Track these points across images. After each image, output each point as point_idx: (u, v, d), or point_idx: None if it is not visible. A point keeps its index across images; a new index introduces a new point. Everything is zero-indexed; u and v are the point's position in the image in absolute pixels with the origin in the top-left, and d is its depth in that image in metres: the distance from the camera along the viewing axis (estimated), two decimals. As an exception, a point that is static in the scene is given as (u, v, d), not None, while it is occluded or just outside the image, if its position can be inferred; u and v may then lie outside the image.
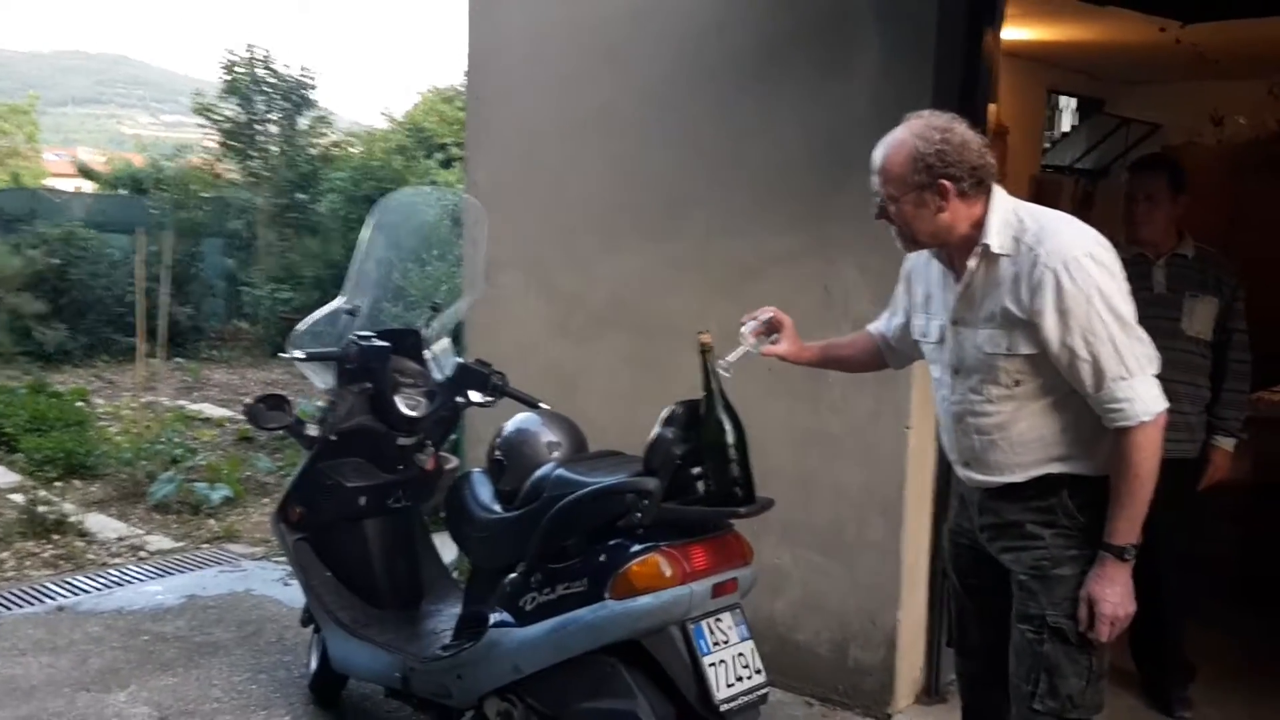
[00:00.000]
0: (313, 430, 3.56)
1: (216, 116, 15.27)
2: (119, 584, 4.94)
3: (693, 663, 2.61)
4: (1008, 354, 2.26)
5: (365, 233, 3.95)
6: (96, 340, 12.15)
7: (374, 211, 4.07)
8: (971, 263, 2.29)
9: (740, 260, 3.90)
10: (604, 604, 2.64)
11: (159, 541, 5.66)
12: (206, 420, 8.77)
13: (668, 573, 2.59)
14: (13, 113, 31.00)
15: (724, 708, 2.59)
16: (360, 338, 3.53)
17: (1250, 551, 4.84)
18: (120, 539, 5.65)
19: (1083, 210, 6.66)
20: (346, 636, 3.41)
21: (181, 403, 9.38)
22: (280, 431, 3.67)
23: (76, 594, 4.78)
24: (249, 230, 14.72)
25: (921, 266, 2.52)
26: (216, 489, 6.32)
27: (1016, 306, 2.21)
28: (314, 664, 3.71)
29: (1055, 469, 2.30)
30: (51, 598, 4.72)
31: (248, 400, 3.53)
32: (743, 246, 3.89)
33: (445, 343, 3.82)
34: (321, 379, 3.69)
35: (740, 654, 2.69)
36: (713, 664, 2.62)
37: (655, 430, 2.71)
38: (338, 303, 3.77)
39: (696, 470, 2.69)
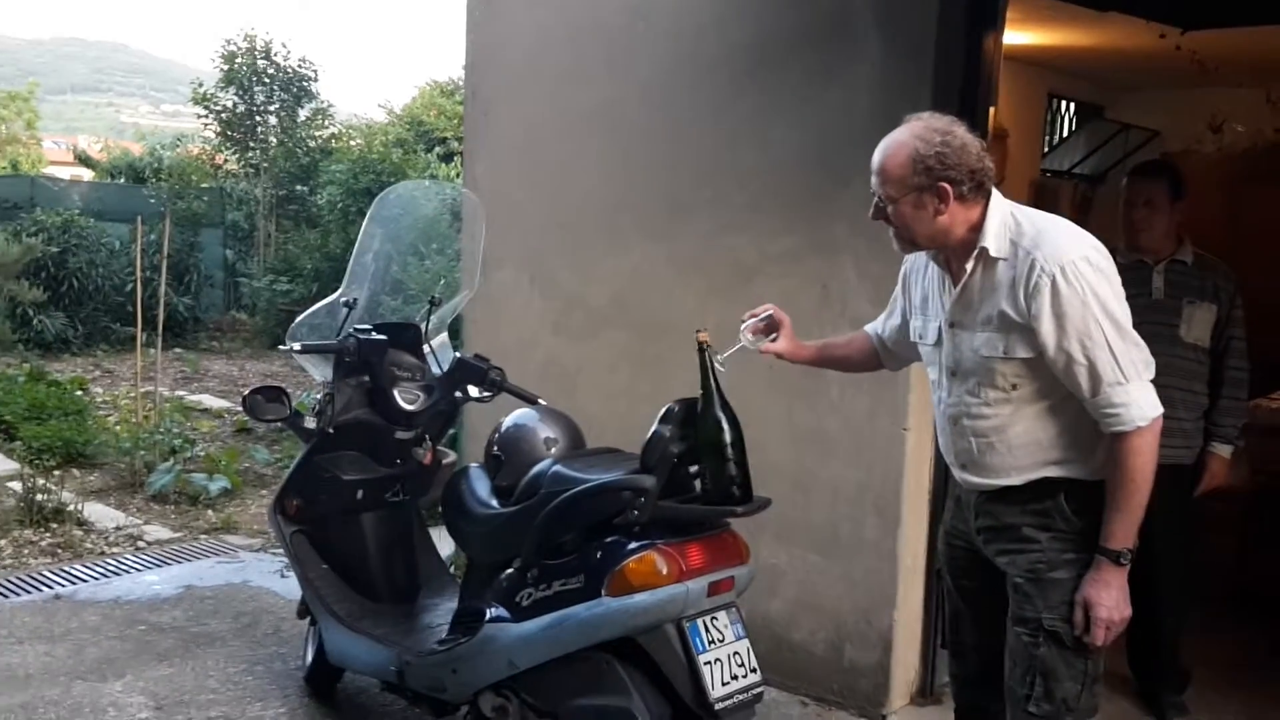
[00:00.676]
0: (310, 423, 3.57)
1: (215, 107, 15.26)
2: (116, 573, 4.95)
3: (688, 661, 2.62)
4: (1004, 357, 2.27)
5: (365, 226, 3.95)
6: (95, 329, 12.16)
7: (374, 205, 4.07)
8: (969, 266, 2.30)
9: (740, 259, 3.91)
10: (600, 601, 2.64)
11: (157, 531, 5.67)
12: (205, 411, 8.79)
13: (664, 571, 2.60)
14: (12, 100, 30.96)
15: (719, 706, 2.60)
16: (358, 331, 3.53)
17: (1246, 558, 4.86)
18: (118, 528, 5.66)
19: (1081, 215, 6.71)
20: (342, 629, 3.42)
21: (180, 393, 9.40)
22: (278, 424, 3.68)
23: (74, 583, 4.79)
24: (248, 221, 14.73)
25: (919, 269, 2.53)
26: (215, 480, 6.33)
27: (1013, 310, 2.22)
28: (310, 656, 3.72)
29: (1052, 472, 2.31)
30: (49, 586, 4.73)
31: (246, 392, 3.53)
32: (742, 246, 3.90)
33: (443, 337, 3.83)
34: (320, 372, 3.70)
35: (736, 653, 2.70)
36: (708, 662, 2.63)
37: (653, 428, 2.72)
38: (336, 295, 3.78)
39: (694, 468, 2.70)
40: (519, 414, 3.32)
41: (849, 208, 3.47)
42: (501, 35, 4.72)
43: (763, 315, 2.67)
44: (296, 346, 3.54)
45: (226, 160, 16.02)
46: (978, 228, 2.28)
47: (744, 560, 2.78)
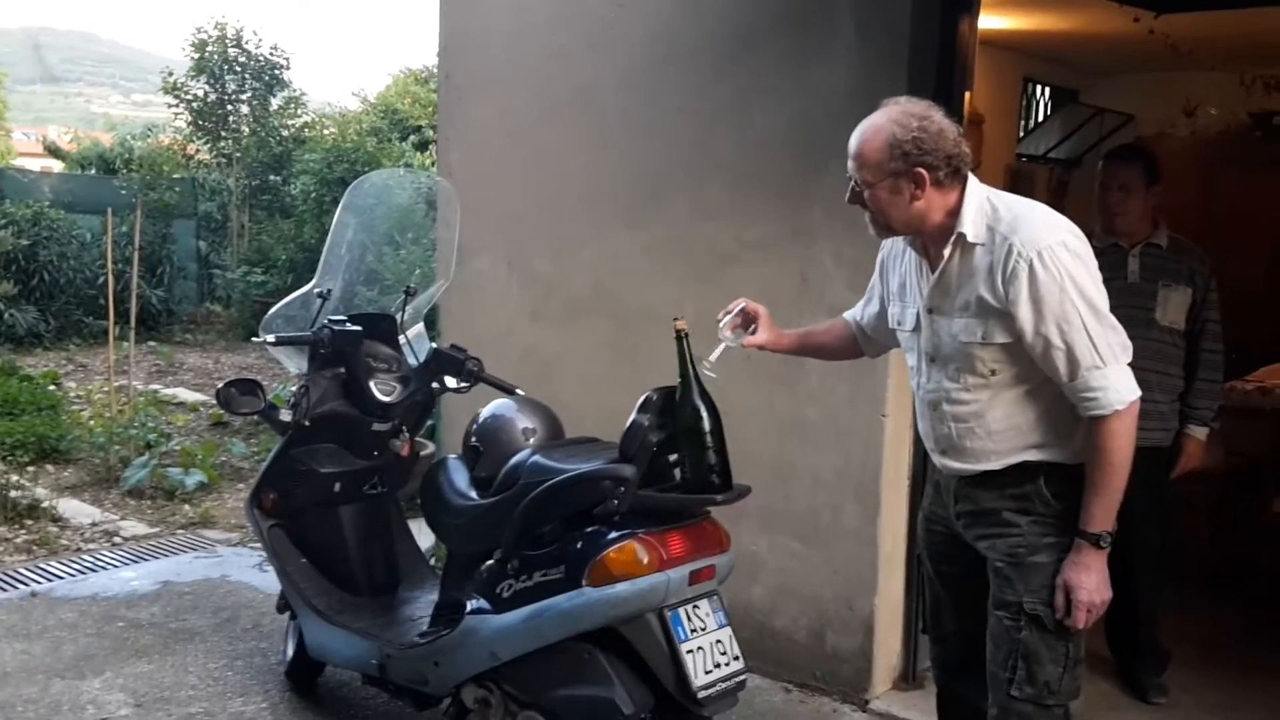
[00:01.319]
0: (286, 416, 3.53)
1: (186, 96, 15.10)
2: (93, 570, 4.90)
3: (670, 650, 2.61)
4: (983, 342, 2.27)
5: (338, 215, 3.92)
6: (67, 323, 12.03)
7: (346, 194, 4.03)
8: (946, 251, 2.29)
9: (718, 247, 3.90)
10: (581, 591, 2.64)
11: (133, 527, 5.62)
12: (180, 404, 8.71)
13: (645, 560, 2.59)
14: (-20, 91, 30.52)
15: (701, 694, 2.60)
16: (333, 322, 3.50)
17: (1221, 539, 4.90)
18: (94, 524, 5.61)
19: (1057, 199, 6.74)
20: (322, 623, 3.40)
21: (155, 386, 9.32)
22: (253, 416, 3.64)
23: (50, 580, 4.74)
24: (221, 212, 14.60)
25: (897, 255, 2.53)
26: (191, 474, 6.28)
27: (991, 295, 2.22)
28: (290, 651, 3.70)
29: (1031, 456, 2.32)
30: (25, 584, 4.68)
31: (219, 385, 3.50)
32: (720, 233, 3.89)
33: (419, 328, 3.81)
34: (295, 364, 3.67)
35: (718, 641, 2.70)
36: (690, 651, 2.62)
37: (631, 417, 2.71)
38: (310, 286, 3.74)
39: (673, 457, 2.70)
40: (497, 404, 3.30)
41: (826, 193, 3.46)
42: (475, 20, 4.68)
43: (736, 310, 2.65)
44: (270, 339, 3.51)
45: (198, 150, 15.86)
46: (954, 213, 2.28)
47: (725, 548, 2.77)
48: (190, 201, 14.44)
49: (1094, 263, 2.22)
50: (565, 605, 2.67)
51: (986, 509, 2.38)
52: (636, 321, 4.08)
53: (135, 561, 5.04)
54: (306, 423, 3.48)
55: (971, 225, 2.26)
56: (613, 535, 2.64)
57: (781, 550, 3.81)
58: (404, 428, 3.59)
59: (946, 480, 2.48)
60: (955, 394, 2.35)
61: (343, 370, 3.52)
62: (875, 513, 3.60)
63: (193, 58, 15.00)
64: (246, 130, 15.17)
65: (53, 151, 20.48)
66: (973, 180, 2.30)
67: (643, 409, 2.70)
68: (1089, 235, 2.29)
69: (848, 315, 2.79)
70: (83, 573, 4.85)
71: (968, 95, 3.65)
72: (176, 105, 15.27)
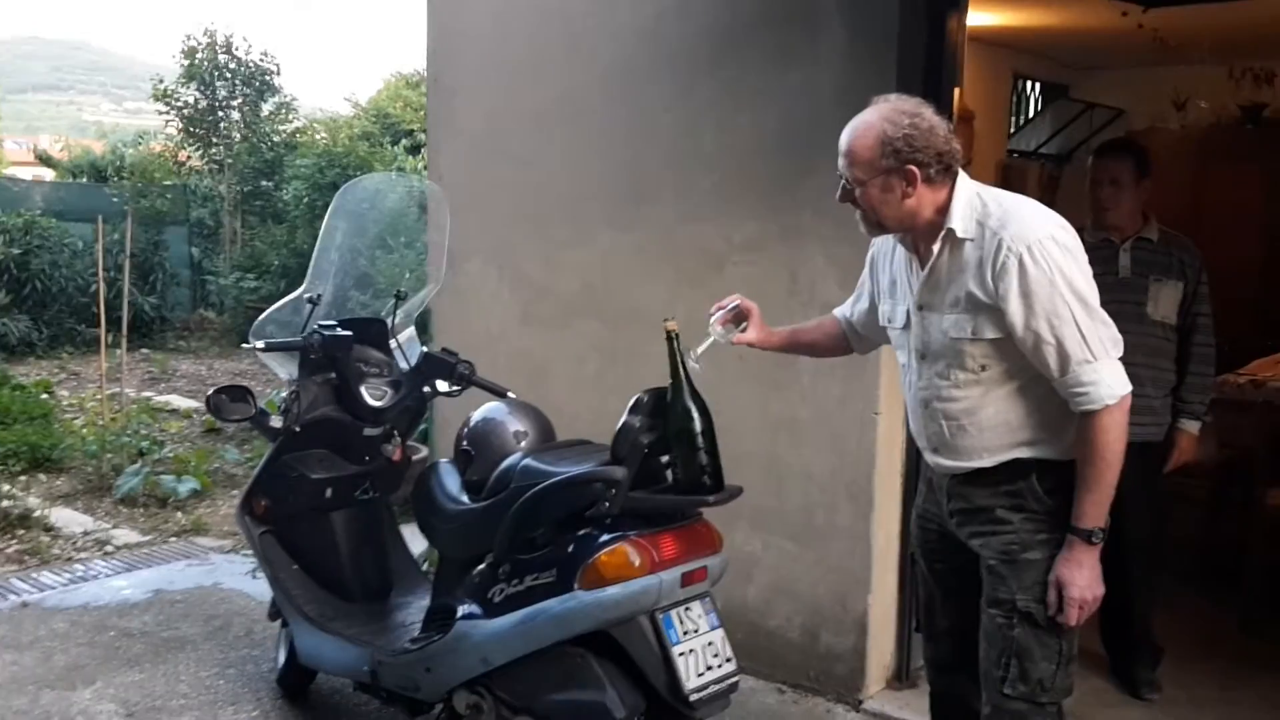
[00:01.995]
0: (276, 422, 3.52)
1: (177, 103, 15.06)
2: (85, 579, 4.87)
3: (662, 653, 2.60)
4: (973, 338, 2.26)
5: (327, 220, 3.90)
6: (60, 331, 12.00)
7: (335, 198, 4.02)
8: (936, 248, 2.29)
9: (707, 247, 3.88)
10: (573, 595, 2.62)
11: (125, 535, 5.59)
12: (173, 411, 8.69)
13: (636, 562, 2.58)
14: (-29, 101, 30.44)
15: (694, 697, 2.59)
16: (323, 327, 3.48)
17: (1214, 532, 4.90)
18: (86, 533, 5.57)
19: (1048, 195, 6.73)
20: (314, 630, 3.38)
21: (147, 394, 9.29)
22: (244, 423, 3.63)
23: (41, 590, 4.72)
24: (213, 218, 14.57)
25: (887, 252, 2.52)
26: (184, 481, 6.26)
27: (981, 290, 2.21)
28: (282, 658, 3.68)
29: (1023, 453, 2.31)
30: (16, 594, 4.65)
31: (209, 392, 3.48)
32: (709, 233, 3.88)
33: (410, 331, 3.79)
34: (285, 370, 3.65)
35: (710, 643, 2.69)
36: (682, 653, 2.62)
37: (622, 418, 2.69)
38: (300, 291, 3.72)
39: (665, 458, 2.68)
40: (488, 408, 3.29)
41: (814, 192, 3.45)
42: (463, 23, 4.67)
43: (730, 306, 2.65)
44: (260, 345, 3.50)
45: (190, 157, 15.82)
46: (944, 209, 2.27)
47: (717, 550, 2.76)
48: (182, 208, 14.42)
49: (1084, 257, 2.22)
50: (557, 609, 2.65)
51: (979, 506, 2.36)
52: (627, 323, 4.07)
53: (127, 570, 5.02)
54: (297, 429, 3.47)
55: (961, 221, 2.25)
56: (604, 538, 2.63)
57: (775, 550, 3.80)
58: (395, 432, 3.57)
59: (939, 478, 2.47)
60: (946, 391, 2.34)
61: (333, 375, 3.51)
62: (868, 511, 3.59)
63: (183, 64, 14.97)
64: (238, 136, 15.13)
65: (44, 160, 20.46)
66: (962, 176, 2.29)
67: (634, 410, 2.69)
68: (1080, 230, 2.28)
69: (838, 312, 2.78)
70: (74, 582, 4.83)
71: (957, 92, 3.64)
72: (167, 112, 15.23)
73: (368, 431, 3.50)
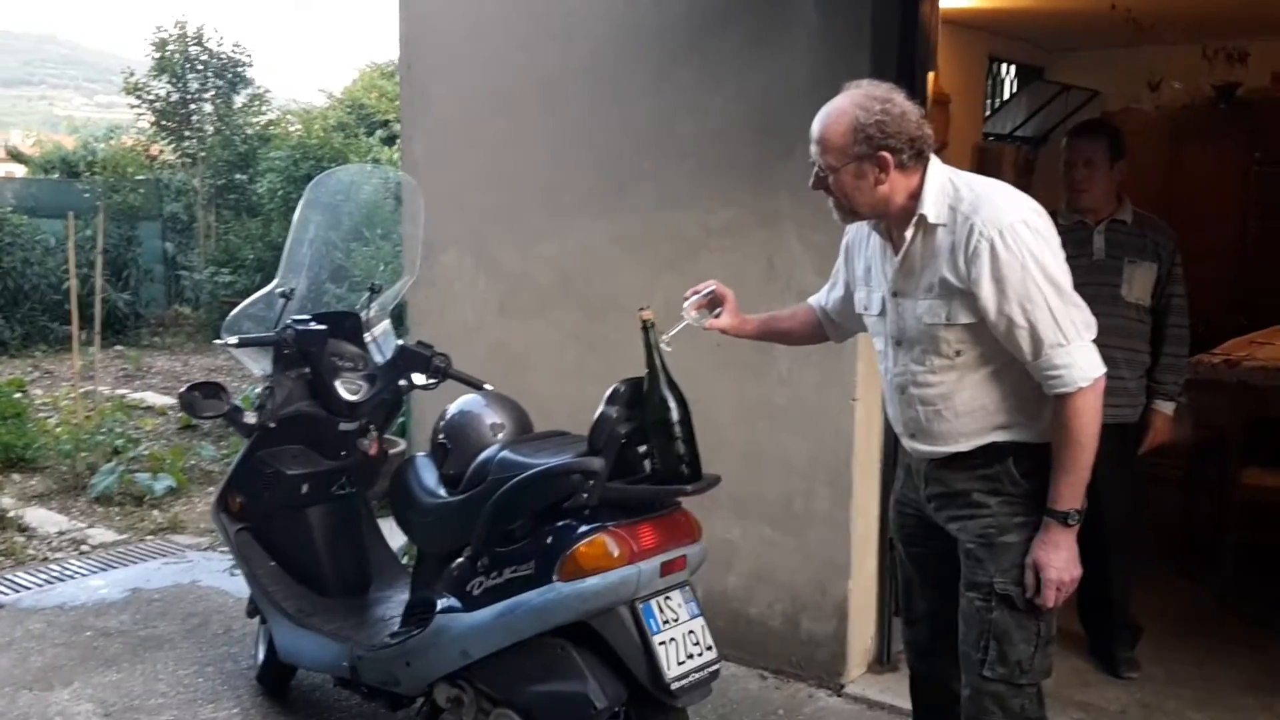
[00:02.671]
0: (251, 418, 3.48)
1: (148, 96, 14.90)
2: (60, 579, 4.83)
3: (643, 642, 2.59)
4: (947, 324, 2.26)
5: (298, 213, 3.86)
6: (33, 329, 11.87)
7: (307, 190, 3.98)
8: (909, 233, 2.28)
9: (684, 234, 3.87)
10: (552, 586, 2.61)
11: (101, 534, 5.54)
12: (148, 409, 8.61)
13: (615, 553, 2.57)
14: (-61, 97, 30.05)
15: (675, 686, 2.58)
16: (297, 321, 3.45)
17: (1189, 512, 4.93)
18: (61, 533, 5.52)
19: (1024, 178, 6.74)
20: (293, 627, 3.36)
21: (122, 391, 9.20)
22: (218, 419, 3.59)
23: (17, 591, 4.68)
24: (187, 213, 14.43)
25: (861, 240, 2.51)
26: (160, 479, 6.20)
27: (954, 276, 2.21)
28: (261, 655, 3.66)
29: (1000, 437, 2.31)
30: (-10, 595, 4.62)
31: (182, 389, 3.44)
32: (686, 220, 3.86)
33: (385, 325, 3.77)
34: (259, 365, 3.62)
35: (691, 631, 2.68)
36: (663, 642, 2.60)
37: (599, 409, 2.68)
38: (273, 286, 3.69)
39: (642, 448, 2.67)
40: (464, 401, 3.27)
41: (790, 177, 3.44)
42: (435, 10, 4.63)
43: (705, 291, 2.64)
44: (233, 340, 3.46)
45: (162, 151, 15.66)
46: (917, 195, 2.27)
47: (696, 539, 2.75)
48: (155, 203, 14.26)
49: (1056, 240, 2.22)
50: (536, 601, 2.64)
51: (956, 491, 2.37)
52: (604, 312, 4.05)
53: (104, 569, 4.97)
54: (272, 424, 3.43)
55: (933, 206, 2.25)
56: (583, 529, 2.62)
57: (754, 537, 3.80)
58: (371, 426, 3.55)
59: (916, 463, 2.48)
60: (922, 377, 2.34)
61: (308, 370, 3.47)
62: (847, 497, 3.59)
63: (154, 57, 14.81)
64: (210, 129, 14.98)
65: (15, 156, 20.20)
66: (934, 161, 2.29)
67: (610, 401, 2.67)
68: (1054, 213, 2.28)
69: (813, 300, 2.78)
70: (50, 582, 4.79)
71: (932, 75, 3.63)
72: (139, 106, 15.07)
73: (343, 426, 3.47)
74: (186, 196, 14.50)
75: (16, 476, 6.56)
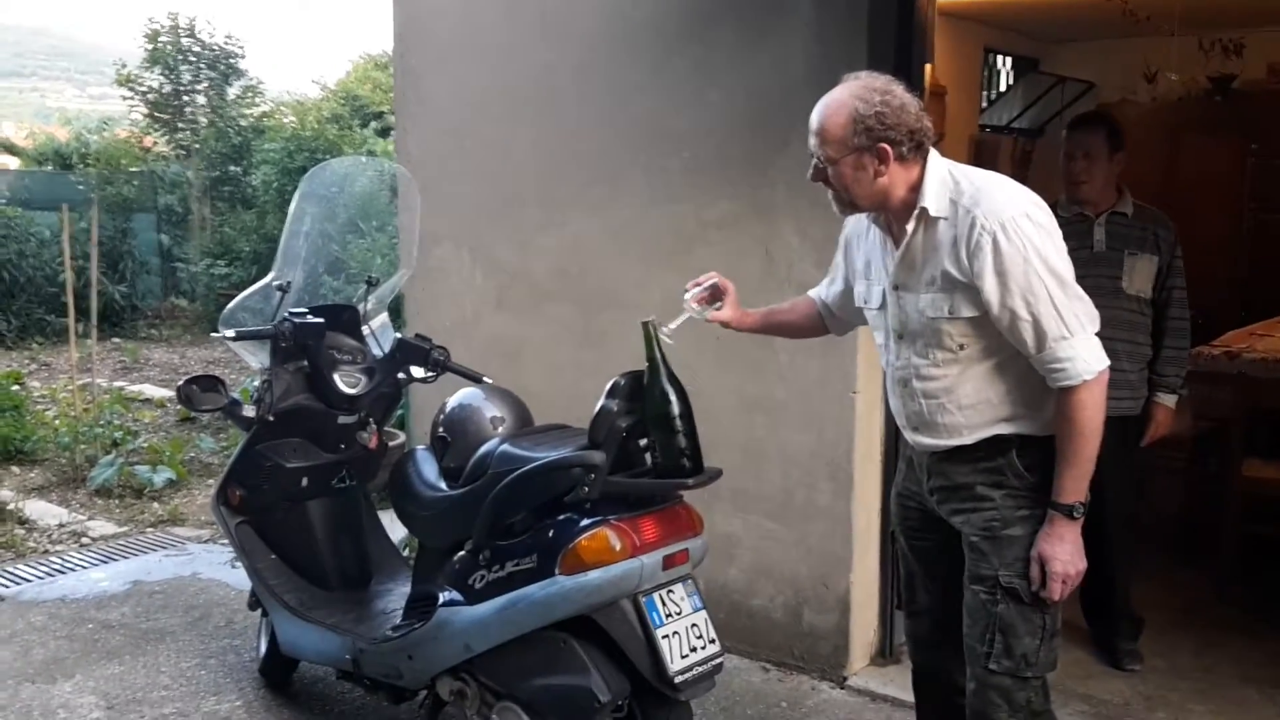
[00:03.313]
0: (249, 411, 3.48)
1: (141, 88, 14.85)
2: (61, 572, 4.83)
3: (645, 636, 2.59)
4: (950, 317, 2.25)
5: (293, 205, 3.85)
6: (29, 322, 11.86)
7: (302, 183, 3.97)
8: (910, 226, 2.27)
9: (681, 227, 3.86)
10: (554, 580, 2.61)
11: (101, 527, 5.54)
12: (147, 401, 8.60)
13: (617, 546, 2.57)
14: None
15: (678, 679, 2.58)
16: (294, 314, 3.44)
17: (1191, 504, 4.94)
18: (61, 526, 5.52)
19: (1021, 170, 6.74)
20: (294, 620, 3.36)
21: (120, 384, 9.19)
22: (217, 413, 3.59)
23: (18, 583, 4.67)
24: (181, 205, 14.38)
25: (860, 233, 2.50)
26: (159, 471, 6.20)
27: (956, 269, 2.21)
28: (263, 648, 3.66)
29: (1003, 430, 2.30)
30: (-9, 588, 4.61)
31: (180, 382, 3.43)
32: (683, 213, 3.86)
33: (383, 318, 3.76)
34: (257, 358, 3.60)
35: (694, 624, 2.68)
36: (666, 636, 2.60)
37: (600, 402, 2.68)
38: (269, 278, 3.68)
39: (643, 442, 2.67)
40: (463, 394, 3.26)
41: (788, 169, 3.43)
42: (429, 2, 4.61)
43: (706, 284, 2.64)
44: (230, 334, 3.45)
45: (156, 142, 15.61)
46: (917, 188, 2.26)
47: (698, 532, 2.75)
48: (150, 195, 14.21)
49: (1058, 233, 2.21)
50: (539, 594, 2.64)
51: (960, 484, 2.37)
52: (601, 305, 4.05)
53: (104, 562, 4.97)
54: (271, 418, 3.43)
55: (934, 199, 2.24)
56: (584, 523, 2.61)
57: (756, 530, 3.81)
58: (370, 420, 3.55)
59: (919, 456, 2.47)
60: (924, 370, 2.34)
61: (306, 363, 3.47)
62: (848, 490, 3.59)
63: (146, 49, 14.75)
64: (204, 121, 14.94)
65: (8, 149, 20.12)
66: (934, 154, 2.28)
67: (611, 394, 2.67)
68: (1053, 205, 2.27)
69: (813, 293, 2.77)
70: (51, 575, 4.79)
71: (929, 67, 3.62)
72: (132, 98, 15.02)
73: (343, 419, 3.47)
74: (181, 189, 14.45)
75: (15, 469, 6.55)
